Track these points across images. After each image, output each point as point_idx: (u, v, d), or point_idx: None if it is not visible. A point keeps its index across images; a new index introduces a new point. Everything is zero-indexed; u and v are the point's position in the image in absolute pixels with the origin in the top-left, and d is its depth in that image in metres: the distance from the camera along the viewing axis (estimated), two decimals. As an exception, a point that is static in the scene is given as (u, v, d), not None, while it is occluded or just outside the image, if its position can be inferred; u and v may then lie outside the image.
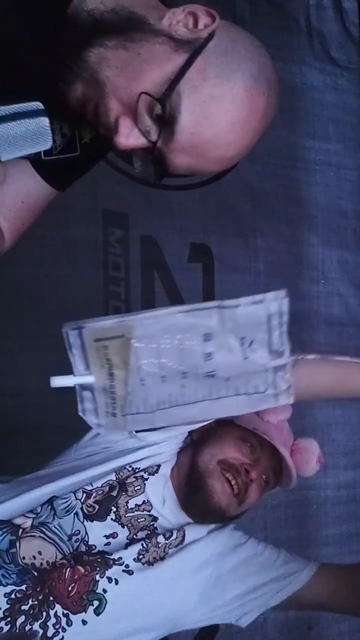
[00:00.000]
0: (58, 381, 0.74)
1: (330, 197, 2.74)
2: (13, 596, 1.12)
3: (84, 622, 1.14)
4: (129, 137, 0.79)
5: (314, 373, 1.17)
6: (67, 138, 0.86)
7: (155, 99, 0.76)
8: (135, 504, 1.24)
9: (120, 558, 1.19)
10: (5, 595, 1.12)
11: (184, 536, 1.26)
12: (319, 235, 2.70)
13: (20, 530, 1.18)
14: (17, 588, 1.12)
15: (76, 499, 1.22)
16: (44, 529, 1.19)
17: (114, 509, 1.23)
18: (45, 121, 0.78)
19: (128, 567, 1.19)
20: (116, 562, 1.18)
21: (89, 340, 0.72)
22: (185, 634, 2.11)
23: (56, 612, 1.12)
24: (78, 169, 1.01)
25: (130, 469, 1.27)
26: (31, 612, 1.11)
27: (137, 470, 1.27)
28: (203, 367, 0.74)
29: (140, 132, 0.79)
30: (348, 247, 2.76)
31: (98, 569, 1.17)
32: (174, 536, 1.25)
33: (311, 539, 2.49)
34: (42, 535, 1.18)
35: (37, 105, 0.78)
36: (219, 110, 0.78)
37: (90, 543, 1.20)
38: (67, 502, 1.21)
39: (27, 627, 1.10)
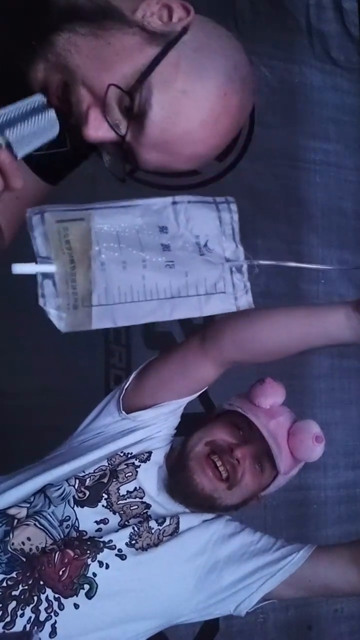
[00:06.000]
0: (19, 268, 0.72)
1: (330, 197, 2.73)
2: (4, 584, 1.11)
3: (76, 606, 1.13)
4: (98, 129, 0.77)
5: (286, 321, 1.18)
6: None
7: (124, 91, 0.74)
8: (127, 491, 1.24)
9: (110, 541, 1.18)
10: None
11: (178, 524, 1.26)
12: (319, 235, 2.70)
13: (16, 521, 1.18)
14: (8, 576, 1.12)
15: (69, 485, 1.21)
16: (38, 517, 1.18)
17: (105, 496, 1.22)
18: (52, 113, 0.78)
19: (121, 551, 1.18)
20: (107, 545, 1.18)
21: (51, 222, 0.73)
22: (185, 634, 2.11)
23: (47, 596, 1.12)
24: (69, 163, 1.01)
25: (122, 454, 1.26)
26: (22, 597, 1.11)
27: (129, 456, 1.26)
28: (162, 256, 0.76)
29: (109, 126, 0.77)
30: (348, 247, 2.75)
31: (89, 552, 1.16)
32: (167, 522, 1.25)
33: (311, 539, 2.47)
34: (35, 523, 1.18)
35: (41, 98, 0.78)
36: (190, 106, 0.76)
37: (80, 529, 1.19)
38: (60, 489, 1.21)
39: (19, 612, 1.09)
